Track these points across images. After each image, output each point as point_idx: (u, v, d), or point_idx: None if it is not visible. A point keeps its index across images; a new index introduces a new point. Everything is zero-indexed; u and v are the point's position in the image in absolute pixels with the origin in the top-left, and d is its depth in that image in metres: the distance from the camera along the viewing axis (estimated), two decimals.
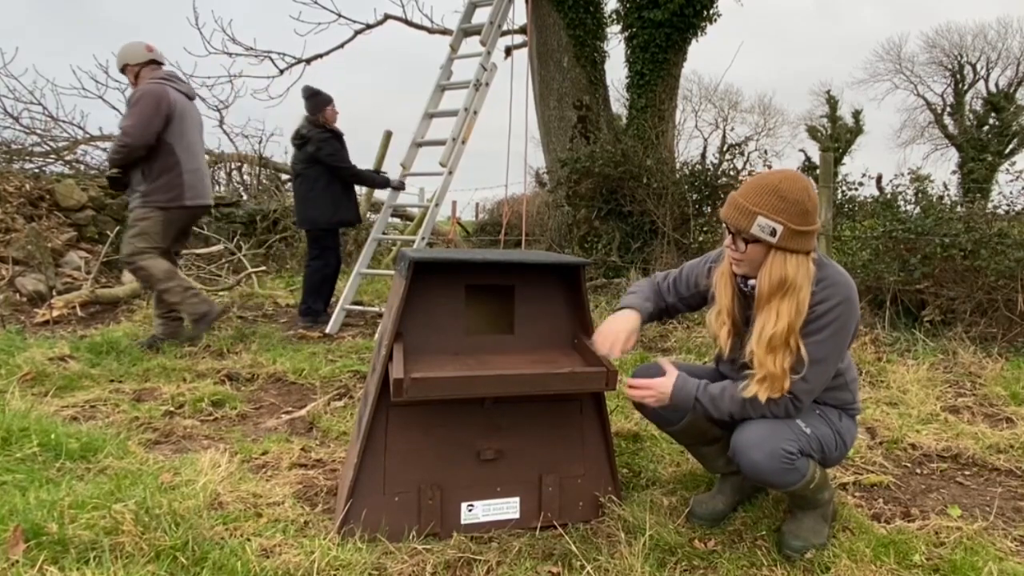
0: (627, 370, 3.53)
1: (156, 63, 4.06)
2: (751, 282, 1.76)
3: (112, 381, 3.29)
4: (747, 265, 1.72)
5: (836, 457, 1.86)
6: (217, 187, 9.59)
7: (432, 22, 8.90)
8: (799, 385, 1.69)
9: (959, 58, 27.03)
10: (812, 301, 1.68)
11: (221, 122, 9.51)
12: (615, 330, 1.86)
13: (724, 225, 1.73)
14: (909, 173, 5.58)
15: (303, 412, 3.01)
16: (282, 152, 11.61)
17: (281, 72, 8.95)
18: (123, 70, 4.04)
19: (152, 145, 3.86)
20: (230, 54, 8.78)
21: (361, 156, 5.57)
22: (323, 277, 5.05)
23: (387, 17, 8.69)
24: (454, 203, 11.36)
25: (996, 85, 26.21)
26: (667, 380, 1.80)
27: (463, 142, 5.17)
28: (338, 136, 4.91)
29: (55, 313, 4.77)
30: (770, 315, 1.66)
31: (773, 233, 1.62)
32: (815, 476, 1.76)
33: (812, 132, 28.79)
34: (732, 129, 29.84)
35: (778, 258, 1.65)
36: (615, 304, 5.62)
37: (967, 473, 2.49)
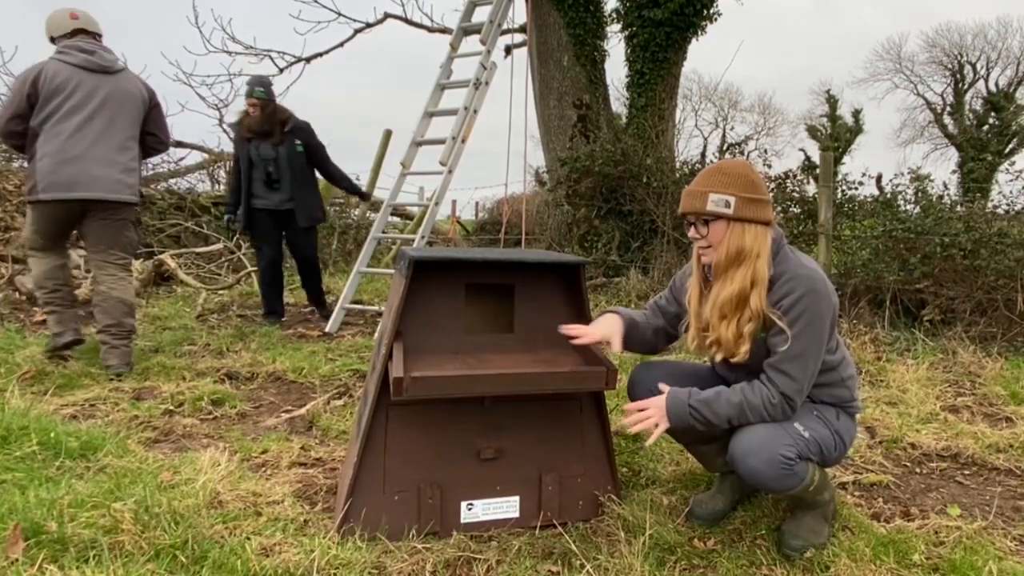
0: (626, 369, 3.53)
1: (84, 32, 3.46)
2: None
3: (111, 380, 3.29)
4: (713, 250, 1.77)
5: (836, 457, 1.85)
6: (217, 186, 9.57)
7: (432, 21, 8.93)
8: (787, 384, 1.70)
9: (959, 58, 27.07)
10: (775, 297, 1.71)
11: (221, 121, 9.52)
12: (599, 322, 1.95)
13: (685, 220, 1.84)
14: (909, 172, 5.60)
15: (303, 411, 3.01)
16: None
17: (281, 71, 8.98)
18: (52, 42, 3.48)
19: (17, 132, 3.40)
20: (230, 53, 8.81)
21: (362, 155, 5.46)
22: (260, 274, 4.94)
23: (387, 16, 8.70)
24: (454, 202, 11.39)
25: (996, 85, 26.28)
26: (660, 396, 1.81)
27: (463, 141, 5.17)
28: (238, 136, 4.70)
29: None
30: (724, 283, 1.74)
31: (728, 205, 1.71)
32: (814, 479, 1.76)
33: (812, 131, 28.83)
34: (732, 128, 29.96)
35: (736, 229, 1.72)
36: (615, 303, 5.66)
37: (967, 472, 2.49)
